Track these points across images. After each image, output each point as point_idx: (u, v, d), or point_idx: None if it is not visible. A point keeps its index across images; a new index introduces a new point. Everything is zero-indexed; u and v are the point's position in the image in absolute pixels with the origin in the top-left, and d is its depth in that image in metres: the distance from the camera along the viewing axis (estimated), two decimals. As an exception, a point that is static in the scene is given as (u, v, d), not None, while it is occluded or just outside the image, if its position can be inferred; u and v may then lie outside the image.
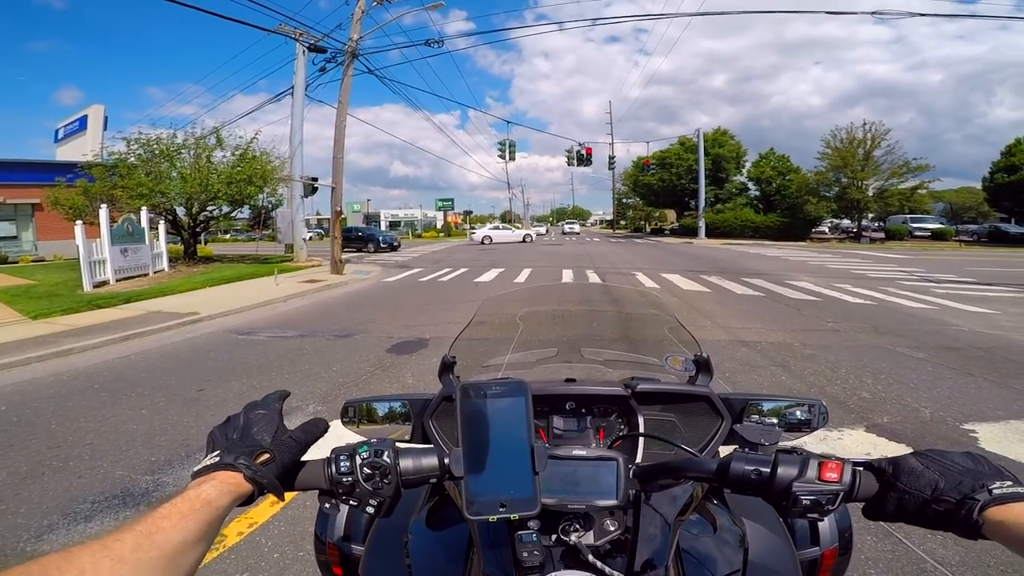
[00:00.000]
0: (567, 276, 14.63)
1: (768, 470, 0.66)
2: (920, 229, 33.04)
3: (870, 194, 33.44)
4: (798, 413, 1.15)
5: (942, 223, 35.56)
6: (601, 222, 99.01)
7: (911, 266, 16.58)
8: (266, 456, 0.67)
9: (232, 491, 0.62)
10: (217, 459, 0.65)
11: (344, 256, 15.61)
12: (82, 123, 28.13)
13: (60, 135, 29.56)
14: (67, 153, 25.36)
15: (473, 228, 47.57)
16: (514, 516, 0.62)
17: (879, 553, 2.33)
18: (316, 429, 0.77)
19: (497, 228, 41.37)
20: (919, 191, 33.50)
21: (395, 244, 29.67)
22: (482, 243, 35.64)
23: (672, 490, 0.91)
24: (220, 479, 0.62)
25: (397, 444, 0.70)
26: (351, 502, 0.67)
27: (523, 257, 22.23)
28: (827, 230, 39.29)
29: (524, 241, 37.33)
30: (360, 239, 28.62)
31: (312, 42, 17.32)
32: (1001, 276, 13.52)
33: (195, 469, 0.64)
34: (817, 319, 7.83)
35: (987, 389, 4.58)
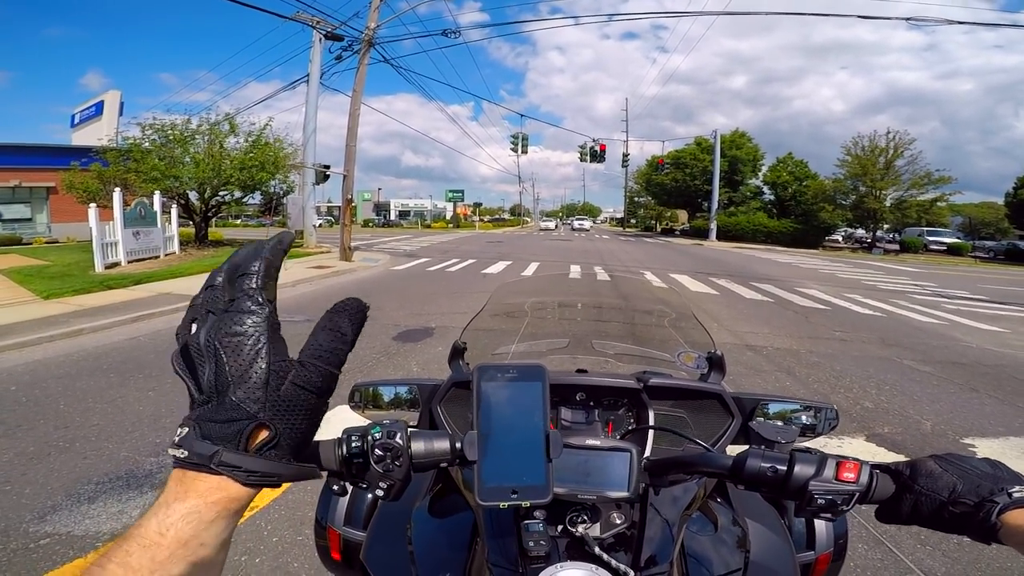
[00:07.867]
0: (575, 272, 14.59)
1: (784, 468, 0.66)
2: (936, 243, 32.47)
3: (887, 204, 32.82)
4: (803, 417, 1.14)
5: (959, 238, 34.89)
6: (611, 219, 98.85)
7: (924, 280, 16.39)
8: (264, 435, 0.44)
9: (222, 509, 0.42)
10: (184, 452, 0.43)
11: (353, 243, 15.67)
12: (98, 108, 28.34)
13: (76, 120, 29.82)
14: (83, 138, 25.52)
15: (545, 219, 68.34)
16: (525, 503, 0.60)
17: (868, 561, 2.34)
18: (344, 335, 0.53)
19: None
20: (939, 204, 32.76)
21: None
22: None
23: (677, 487, 0.91)
24: (197, 495, 0.42)
25: (409, 426, 0.68)
26: (361, 484, 0.64)
27: (531, 251, 22.23)
28: (840, 239, 38.78)
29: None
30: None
31: (329, 30, 17.35)
32: (1015, 295, 13.33)
33: (170, 451, 0.44)
34: (825, 327, 7.78)
35: (990, 405, 4.55)
